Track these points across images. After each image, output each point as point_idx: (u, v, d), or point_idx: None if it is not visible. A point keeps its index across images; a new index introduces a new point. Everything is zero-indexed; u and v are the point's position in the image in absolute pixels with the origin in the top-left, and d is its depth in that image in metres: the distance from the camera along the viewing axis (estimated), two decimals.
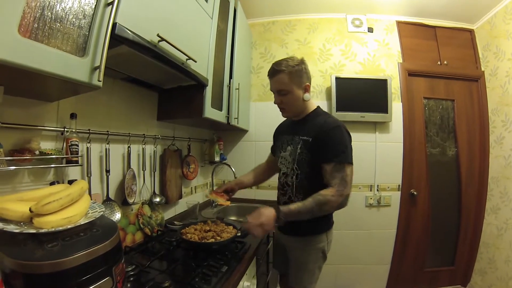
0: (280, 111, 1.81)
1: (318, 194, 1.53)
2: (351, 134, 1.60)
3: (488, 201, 3.12)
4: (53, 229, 0.85)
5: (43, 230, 0.83)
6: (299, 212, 1.51)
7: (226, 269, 1.43)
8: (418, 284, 3.23)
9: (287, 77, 1.65)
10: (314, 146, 1.62)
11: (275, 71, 1.69)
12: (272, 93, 1.79)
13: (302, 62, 1.71)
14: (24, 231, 0.82)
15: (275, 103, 1.78)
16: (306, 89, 1.72)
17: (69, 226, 0.88)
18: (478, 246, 3.17)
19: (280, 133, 1.96)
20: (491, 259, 2.98)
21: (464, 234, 3.22)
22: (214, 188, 1.98)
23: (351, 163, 1.57)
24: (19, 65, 0.74)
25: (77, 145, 1.27)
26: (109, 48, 0.98)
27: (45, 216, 0.86)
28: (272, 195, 2.22)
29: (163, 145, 2.18)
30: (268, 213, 1.52)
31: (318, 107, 1.81)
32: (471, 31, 3.32)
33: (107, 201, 1.57)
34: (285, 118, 1.95)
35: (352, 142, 1.65)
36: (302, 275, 1.74)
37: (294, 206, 1.54)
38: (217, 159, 2.95)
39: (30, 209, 0.85)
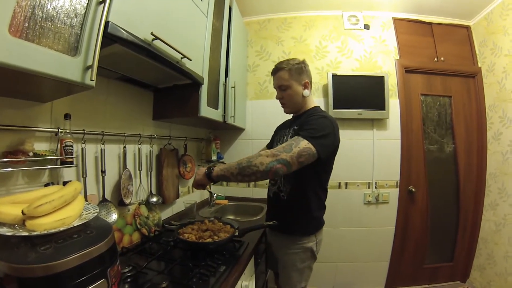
0: (282, 106, 1.88)
1: None
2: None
3: (486, 197, 3.12)
4: (46, 232, 0.84)
5: (35, 233, 0.82)
6: (229, 164, 1.51)
7: (224, 269, 1.42)
8: (417, 281, 3.23)
9: (287, 74, 1.75)
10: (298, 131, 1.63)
11: (276, 69, 1.80)
12: (269, 91, 1.83)
13: (302, 62, 1.80)
14: (16, 234, 0.81)
15: (276, 98, 1.86)
16: (306, 86, 1.78)
17: (62, 228, 0.87)
18: (476, 242, 3.17)
19: (279, 129, 2.03)
20: (489, 255, 2.98)
21: (462, 230, 3.23)
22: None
23: (313, 145, 1.47)
24: (10, 66, 0.73)
25: (72, 146, 1.26)
26: (102, 47, 0.96)
27: (38, 219, 0.85)
28: None
29: (159, 145, 2.17)
30: (202, 169, 1.60)
31: (318, 106, 1.85)
32: (467, 28, 3.32)
33: (103, 202, 1.55)
34: (286, 116, 1.99)
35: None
36: (290, 274, 1.75)
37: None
38: (214, 158, 2.94)
39: (22, 212, 0.84)
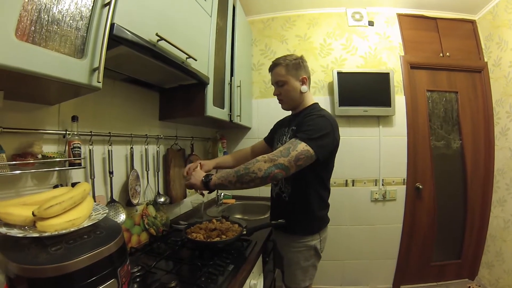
0: (279, 103, 1.86)
1: None
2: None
3: (494, 193, 3.10)
4: (56, 233, 0.84)
5: (46, 234, 0.83)
6: (227, 172, 1.48)
7: (232, 268, 1.42)
8: (425, 278, 3.22)
9: (284, 69, 1.73)
10: (296, 132, 1.61)
11: (273, 65, 1.79)
12: (274, 89, 1.82)
13: (300, 57, 1.78)
14: (27, 235, 0.82)
15: (274, 94, 1.84)
16: (304, 82, 1.75)
17: (72, 229, 0.88)
18: (485, 239, 3.15)
19: (279, 126, 1.99)
20: (498, 252, 2.96)
21: (470, 227, 3.21)
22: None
23: (311, 147, 1.45)
24: (18, 69, 0.74)
25: (80, 148, 1.27)
26: (107, 49, 0.97)
27: (48, 220, 0.86)
28: None
29: (166, 145, 2.18)
30: (199, 173, 1.60)
31: (317, 103, 1.81)
32: (473, 22, 3.30)
33: (111, 202, 1.57)
34: (288, 113, 1.96)
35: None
36: (295, 273, 1.73)
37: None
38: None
39: (33, 213, 0.84)
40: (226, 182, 1.46)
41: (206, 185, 1.51)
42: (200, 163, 1.84)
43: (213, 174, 1.53)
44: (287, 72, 1.72)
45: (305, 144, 1.45)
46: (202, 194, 1.85)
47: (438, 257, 3.24)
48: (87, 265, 0.80)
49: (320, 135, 1.50)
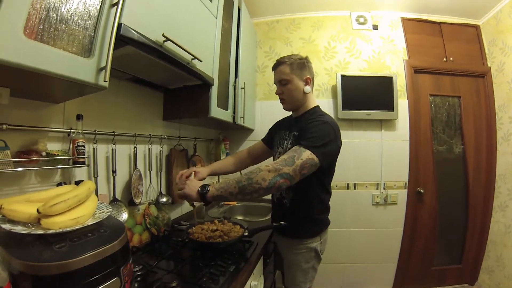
0: (281, 102, 1.83)
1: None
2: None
3: (496, 198, 3.09)
4: (60, 230, 0.85)
5: (50, 231, 0.83)
6: (226, 183, 1.40)
7: (234, 269, 1.42)
8: (425, 283, 3.21)
9: (288, 68, 1.71)
10: (299, 139, 1.58)
11: (278, 63, 1.77)
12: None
13: (305, 58, 1.76)
14: (32, 232, 0.82)
15: (276, 93, 1.82)
16: (307, 82, 1.73)
17: (76, 227, 0.88)
18: (485, 244, 3.14)
19: (278, 128, 1.98)
20: (498, 257, 2.95)
21: (471, 232, 3.20)
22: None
23: (315, 155, 1.43)
24: (25, 67, 0.74)
25: (84, 146, 1.28)
26: (114, 48, 0.97)
27: (53, 217, 0.86)
28: None
29: (169, 145, 2.19)
30: (195, 183, 1.49)
31: (318, 106, 1.80)
32: (476, 27, 3.30)
33: (113, 201, 1.57)
34: (288, 114, 1.95)
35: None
36: (295, 274, 1.74)
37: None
38: (223, 158, 2.95)
39: (37, 210, 0.85)
40: (227, 193, 1.38)
41: (203, 197, 1.41)
42: (194, 171, 1.77)
43: (210, 185, 1.44)
44: (291, 71, 1.70)
45: (310, 152, 1.42)
46: (193, 205, 1.82)
47: (438, 262, 3.23)
48: (90, 263, 0.81)
49: (324, 142, 1.48)
